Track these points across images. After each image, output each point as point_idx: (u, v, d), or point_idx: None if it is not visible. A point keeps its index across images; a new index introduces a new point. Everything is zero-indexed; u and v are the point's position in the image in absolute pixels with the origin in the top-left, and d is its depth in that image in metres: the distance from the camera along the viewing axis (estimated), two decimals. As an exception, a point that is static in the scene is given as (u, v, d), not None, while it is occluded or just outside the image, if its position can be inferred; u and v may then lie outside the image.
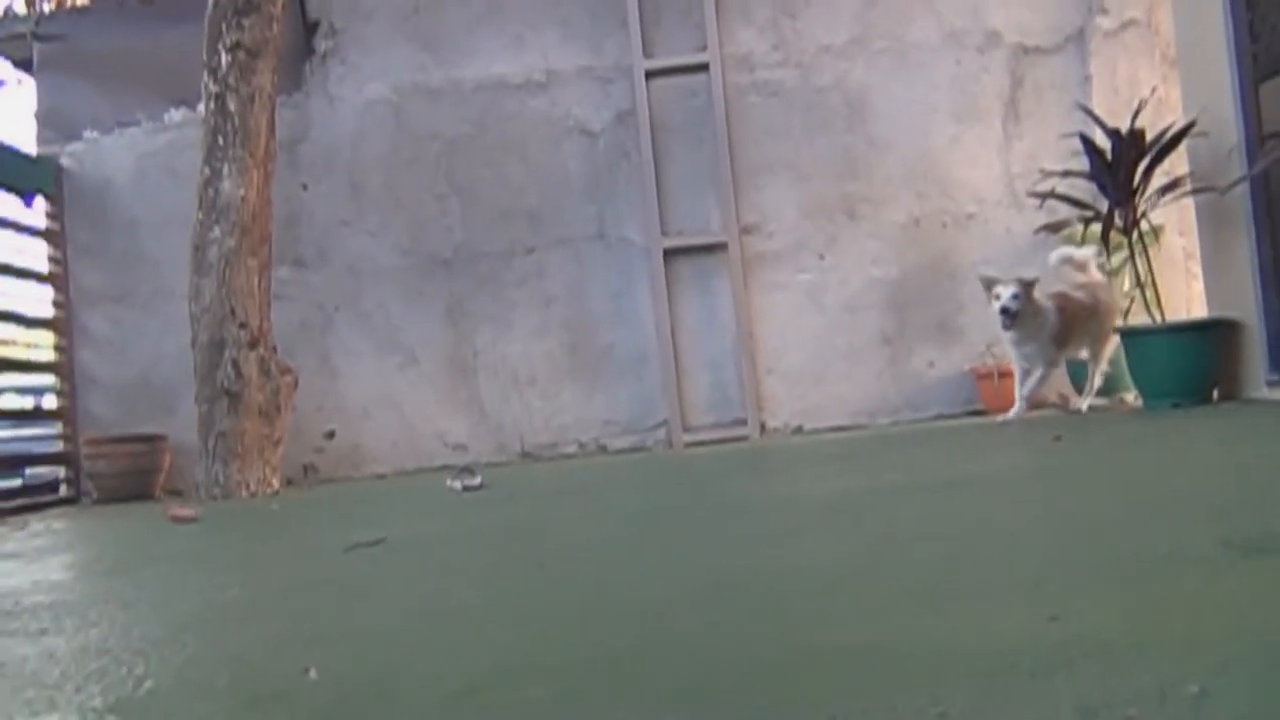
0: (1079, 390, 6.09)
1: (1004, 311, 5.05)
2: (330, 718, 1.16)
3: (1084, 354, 5.66)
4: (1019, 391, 5.46)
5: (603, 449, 6.67)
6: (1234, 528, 1.75)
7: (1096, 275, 5.57)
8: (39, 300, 6.84)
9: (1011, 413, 5.42)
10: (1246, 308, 5.19)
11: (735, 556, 2.03)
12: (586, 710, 1.11)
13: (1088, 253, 5.55)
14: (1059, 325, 5.22)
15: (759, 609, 1.52)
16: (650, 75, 6.65)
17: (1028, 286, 5.14)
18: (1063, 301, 5.27)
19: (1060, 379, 6.29)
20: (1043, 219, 6.08)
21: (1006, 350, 5.50)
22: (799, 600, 1.56)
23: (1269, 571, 1.43)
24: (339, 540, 2.75)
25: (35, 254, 6.88)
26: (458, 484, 4.81)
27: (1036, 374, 5.38)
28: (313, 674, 1.32)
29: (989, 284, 5.27)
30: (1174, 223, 6.33)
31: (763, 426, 6.58)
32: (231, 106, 5.99)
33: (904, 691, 1.05)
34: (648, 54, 6.68)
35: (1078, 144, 5.69)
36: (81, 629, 1.81)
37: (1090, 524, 2.03)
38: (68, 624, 1.88)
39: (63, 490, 6.74)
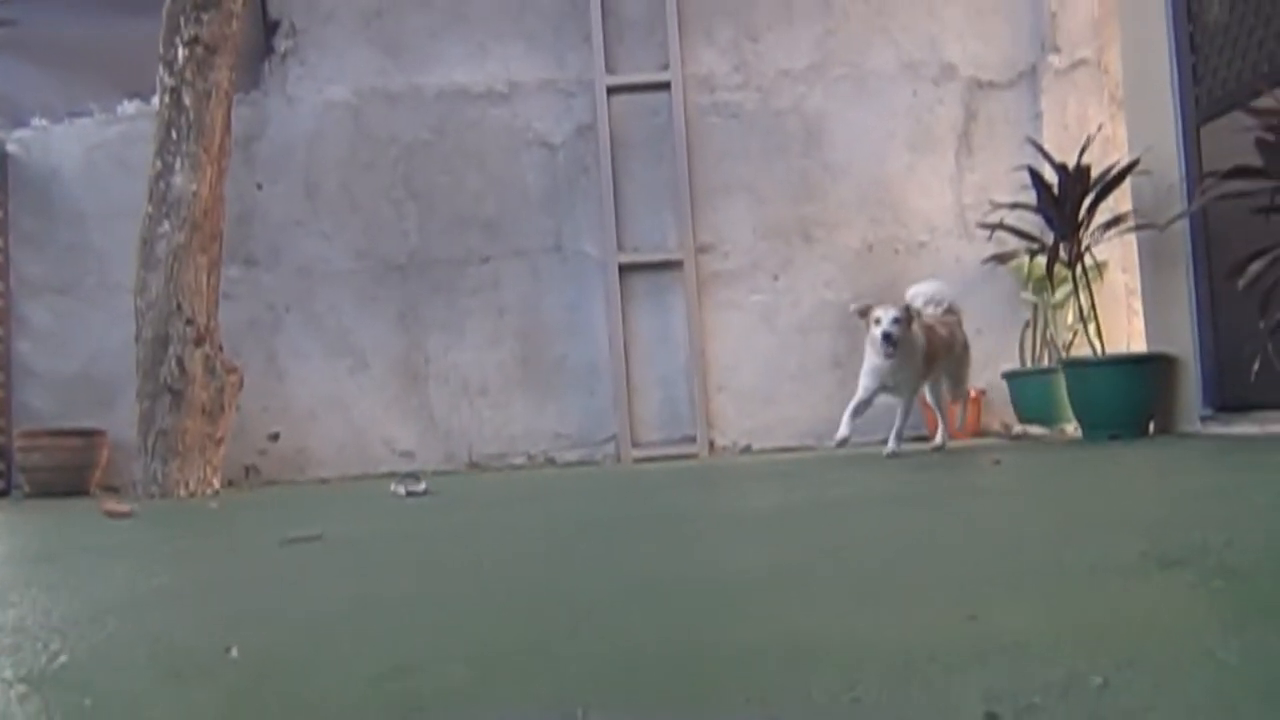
0: (1025, 420, 6.20)
1: (886, 338, 4.79)
2: (250, 692, 1.15)
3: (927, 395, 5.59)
4: (847, 418, 5.15)
5: (551, 461, 6.65)
6: (1155, 542, 1.79)
7: (952, 315, 5.49)
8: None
9: (890, 446, 5.29)
10: (1184, 344, 5.32)
11: (671, 561, 2.04)
12: (506, 690, 1.11)
13: (946, 290, 5.49)
14: (924, 356, 5.06)
15: (688, 608, 1.53)
16: (612, 91, 6.70)
17: (908, 312, 4.96)
18: (929, 334, 5.13)
19: (1004, 407, 6.40)
20: (991, 250, 6.20)
21: (866, 378, 5.13)
22: (729, 601, 1.57)
23: (1182, 581, 1.47)
24: (275, 537, 2.72)
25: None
26: (401, 489, 4.76)
27: (904, 404, 5.31)
28: (234, 653, 1.31)
29: (864, 312, 5.04)
30: (1118, 259, 6.48)
31: (711, 444, 6.61)
32: (187, 101, 5.93)
33: (820, 680, 1.06)
34: (610, 69, 6.73)
35: (1027, 178, 5.82)
36: None
37: (1018, 537, 2.07)
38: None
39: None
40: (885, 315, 4.83)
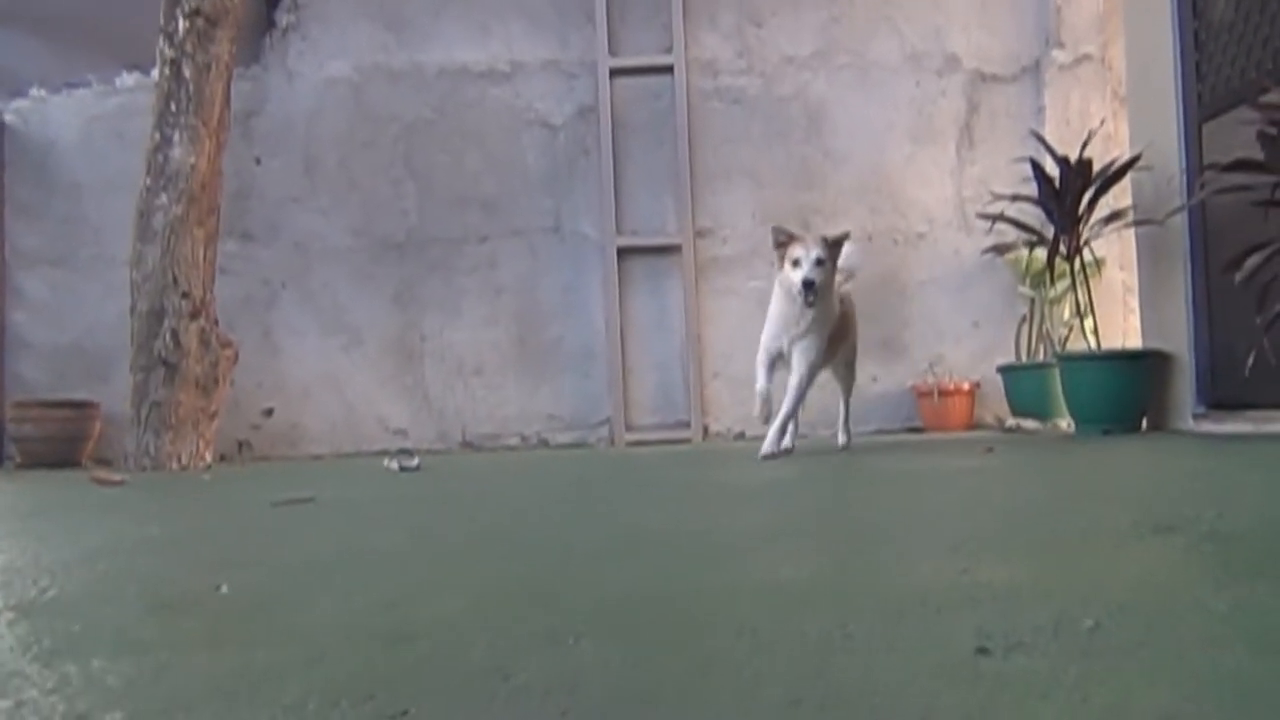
0: (1019, 414, 6.20)
1: (807, 286, 3.81)
2: (239, 622, 1.14)
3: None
4: (773, 421, 4.20)
5: (545, 443, 6.64)
6: (1146, 513, 1.80)
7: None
8: (-26, 257, 6.66)
9: (767, 445, 4.15)
10: (1179, 341, 5.31)
11: (665, 520, 2.04)
12: (496, 622, 1.11)
13: (856, 258, 4.62)
14: (836, 326, 4.21)
15: (679, 558, 1.53)
16: (614, 73, 6.67)
17: (834, 249, 3.97)
18: (845, 305, 4.39)
19: (998, 401, 6.40)
20: (991, 243, 6.20)
21: (772, 330, 4.23)
22: (721, 554, 1.57)
23: (1174, 544, 1.47)
24: (267, 500, 2.71)
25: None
26: (394, 464, 4.76)
27: (799, 383, 4.25)
28: (224, 589, 1.30)
29: (781, 243, 4.04)
30: (1115, 256, 6.47)
31: (705, 430, 6.60)
32: (187, 73, 5.90)
33: (813, 618, 1.06)
34: (613, 52, 6.70)
35: (1027, 172, 5.81)
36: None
37: (1011, 509, 2.08)
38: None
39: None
40: (807, 256, 3.84)
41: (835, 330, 4.18)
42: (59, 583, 1.41)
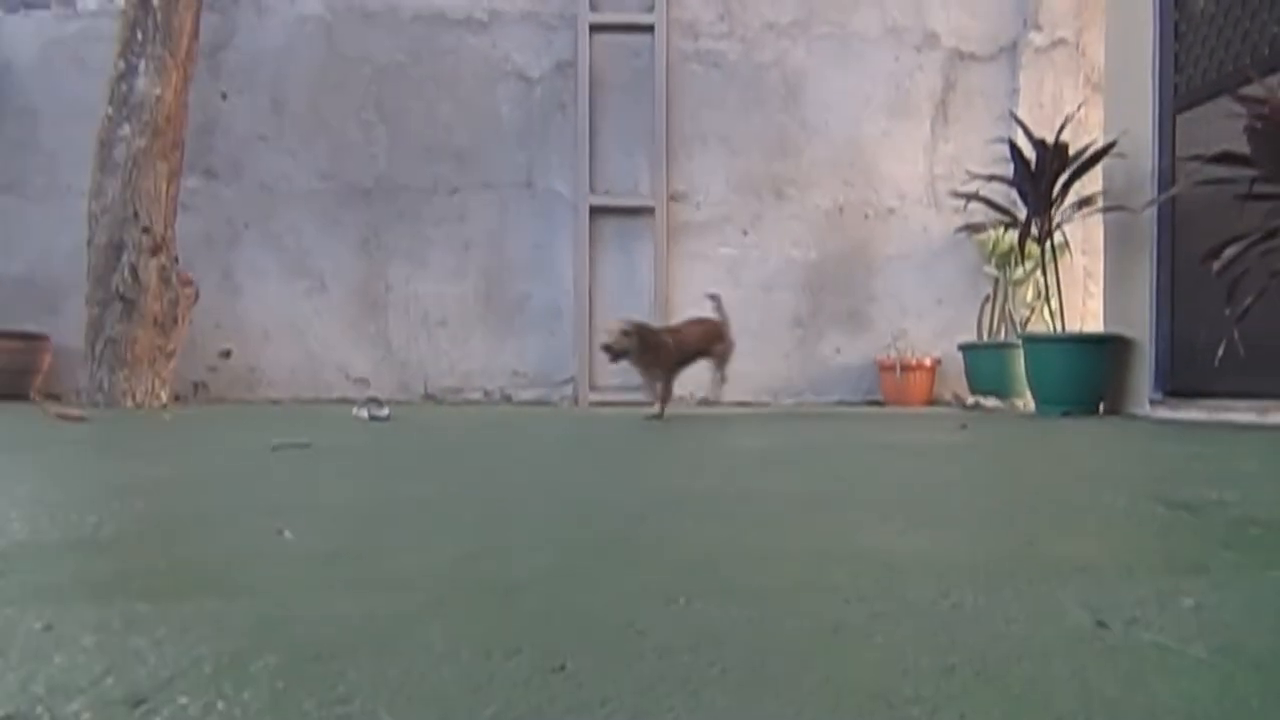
0: (978, 392, 6.32)
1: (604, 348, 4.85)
2: (333, 569, 1.12)
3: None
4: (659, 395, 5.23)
5: (508, 399, 6.61)
6: (1163, 494, 1.84)
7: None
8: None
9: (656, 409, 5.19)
10: (1140, 328, 5.45)
11: (696, 484, 2.04)
12: (594, 576, 1.10)
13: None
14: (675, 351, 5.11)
15: (740, 519, 1.53)
16: (595, 29, 6.59)
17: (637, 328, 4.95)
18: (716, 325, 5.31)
19: (958, 380, 6.51)
20: (960, 222, 6.28)
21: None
22: (780, 517, 1.57)
23: (1213, 524, 1.52)
24: (256, 443, 2.66)
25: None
26: (364, 413, 4.71)
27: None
28: (287, 534, 1.27)
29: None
30: (1078, 241, 6.59)
31: (669, 393, 6.61)
32: (154, 1, 5.69)
33: (911, 587, 1.08)
34: (594, 7, 6.61)
35: (999, 152, 5.88)
36: (1, 488, 1.71)
37: (1035, 484, 2.12)
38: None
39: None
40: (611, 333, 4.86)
41: (695, 349, 5.23)
42: (108, 519, 1.37)
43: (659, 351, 5.03)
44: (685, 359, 5.30)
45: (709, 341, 5.38)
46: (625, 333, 4.84)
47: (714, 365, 5.47)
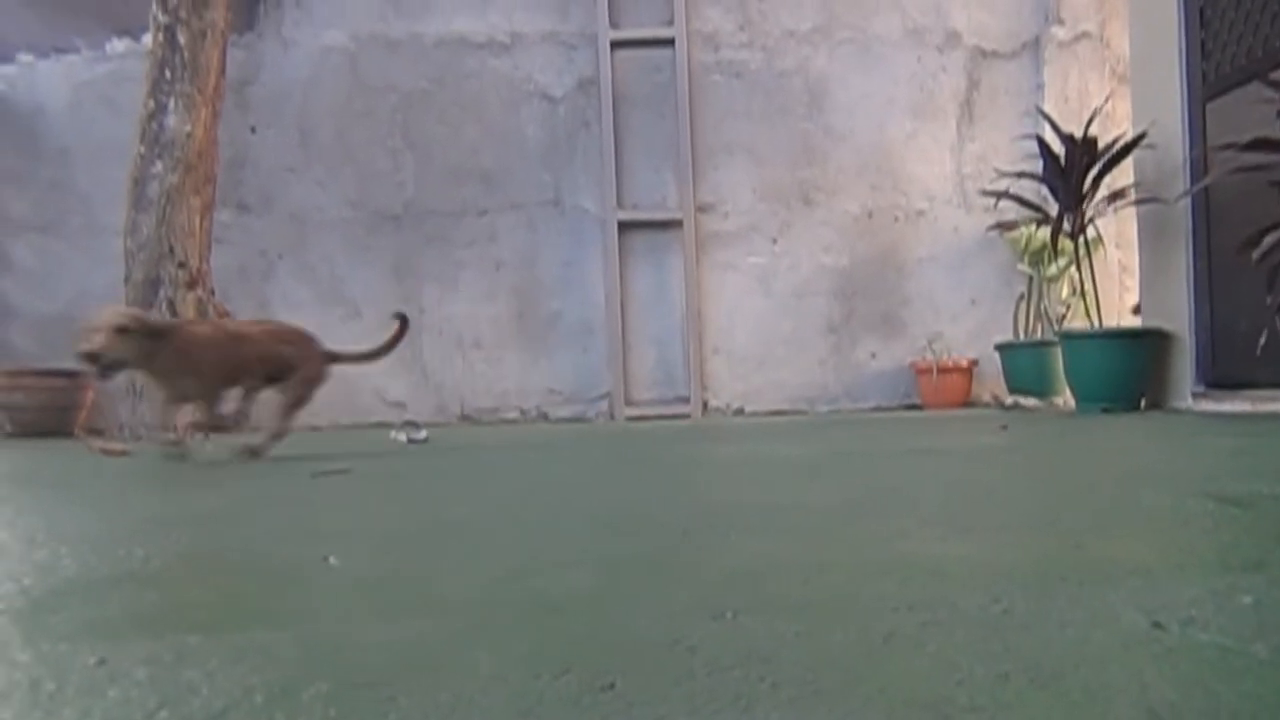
0: (1016, 392, 6.25)
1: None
2: (379, 594, 1.12)
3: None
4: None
5: (544, 417, 6.63)
6: (1211, 490, 1.81)
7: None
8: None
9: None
10: (1179, 320, 5.37)
11: (735, 493, 2.03)
12: (637, 593, 1.10)
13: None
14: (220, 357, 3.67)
15: (781, 531, 1.52)
16: (615, 45, 6.62)
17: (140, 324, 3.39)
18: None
19: (995, 381, 6.45)
20: (990, 221, 6.23)
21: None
22: (821, 528, 1.56)
23: (1266, 519, 1.49)
24: (299, 471, 2.68)
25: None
26: (402, 436, 4.74)
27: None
28: (332, 560, 1.28)
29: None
30: (1111, 235, 6.53)
31: (704, 405, 6.62)
32: (181, 40, 5.80)
33: (960, 594, 1.06)
34: (614, 24, 6.64)
35: (1027, 148, 5.83)
36: (46, 525, 1.73)
37: (1080, 484, 2.09)
38: (33, 520, 1.79)
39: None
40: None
41: (266, 361, 3.82)
42: (155, 552, 1.38)
43: (188, 357, 3.47)
44: (240, 373, 3.75)
45: (286, 354, 3.85)
46: (121, 329, 3.20)
47: (284, 397, 3.90)
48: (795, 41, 6.74)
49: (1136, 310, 5.98)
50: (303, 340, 4.01)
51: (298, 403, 3.99)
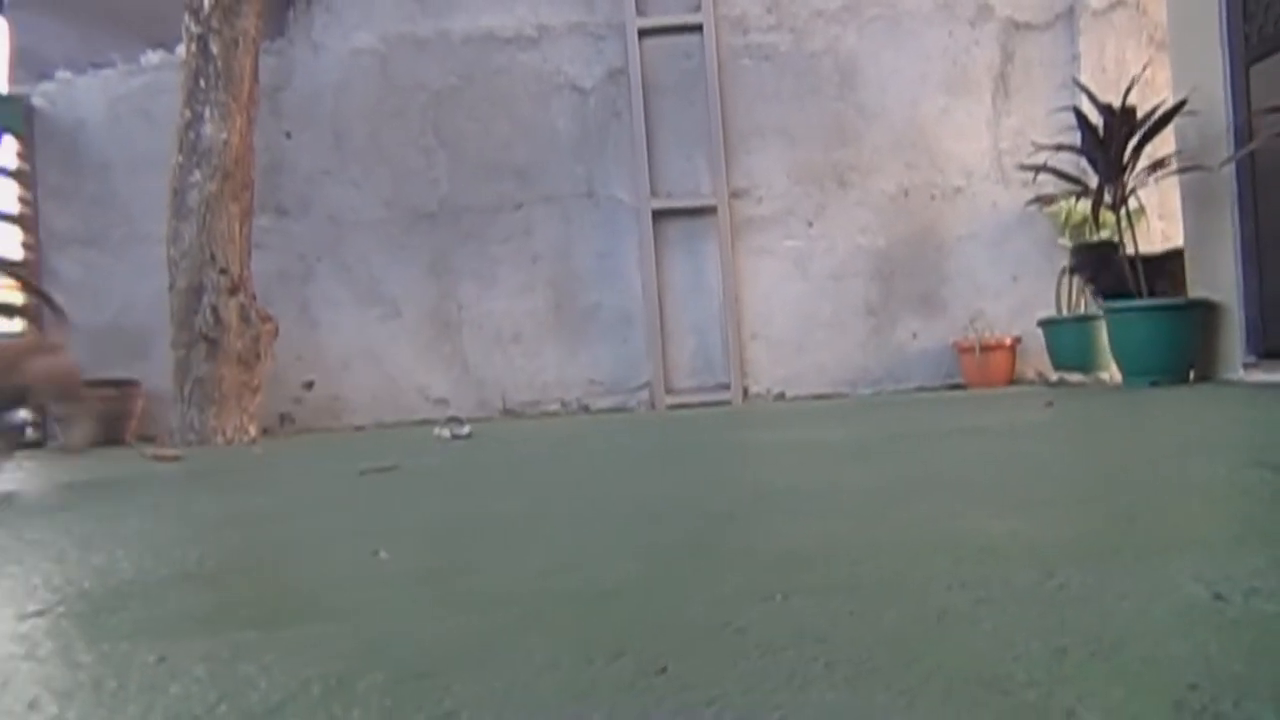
0: (1060, 368, 6.16)
1: None
2: (431, 587, 1.13)
3: None
4: None
5: (585, 408, 6.64)
6: (1267, 460, 1.77)
7: None
8: (7, 242, 6.67)
9: None
10: (1227, 289, 5.26)
11: (781, 478, 2.02)
12: (686, 578, 1.09)
13: None
14: None
15: (826, 513, 1.51)
16: (643, 34, 6.60)
17: None
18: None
19: (1040, 357, 6.37)
20: (1029, 195, 6.14)
21: None
22: (865, 508, 1.55)
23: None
24: (346, 470, 2.71)
25: (3, 194, 6.70)
26: (446, 432, 4.77)
27: None
28: (383, 554, 1.29)
29: None
30: (1154, 206, 6.40)
31: (745, 391, 6.59)
32: (214, 49, 5.86)
33: (1013, 570, 1.05)
34: (641, 12, 6.62)
35: (1064, 121, 5.72)
36: (103, 530, 1.76)
37: (1130, 458, 2.05)
38: (90, 526, 1.83)
39: (29, 434, 6.59)
40: None
41: None
42: (210, 552, 1.40)
43: None
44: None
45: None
46: None
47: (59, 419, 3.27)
48: (824, 21, 6.67)
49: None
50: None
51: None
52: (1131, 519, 1.30)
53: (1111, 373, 5.84)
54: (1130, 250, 5.47)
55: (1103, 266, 5.64)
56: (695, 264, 6.65)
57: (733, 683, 0.74)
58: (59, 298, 6.37)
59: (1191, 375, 5.41)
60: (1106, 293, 5.59)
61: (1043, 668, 0.74)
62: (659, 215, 6.56)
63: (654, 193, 6.57)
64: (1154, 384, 5.22)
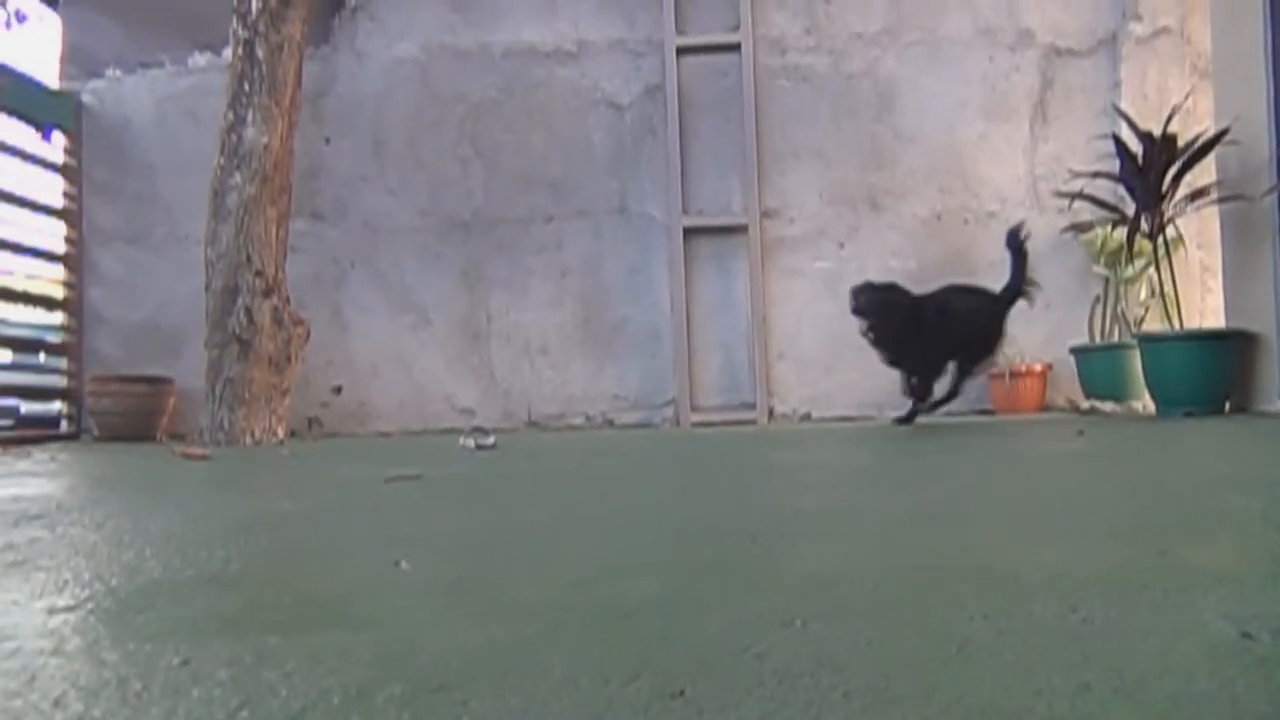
0: (1092, 396, 6.10)
1: None
2: (451, 599, 1.14)
3: None
4: None
5: (610, 423, 6.65)
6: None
7: None
8: (51, 235, 6.77)
9: None
10: (1266, 320, 5.20)
11: (804, 500, 2.01)
12: (708, 599, 1.09)
13: None
14: None
15: (851, 538, 1.51)
16: (681, 52, 6.62)
17: None
18: None
19: (1071, 385, 6.31)
20: (1064, 222, 6.10)
21: None
22: (888, 534, 1.54)
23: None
24: (372, 476, 2.73)
25: (50, 188, 6.81)
26: (471, 442, 4.79)
27: None
28: (404, 565, 1.30)
29: None
30: (1193, 235, 6.33)
31: (771, 412, 6.58)
32: (260, 53, 5.94)
33: (1037, 602, 1.04)
34: (680, 30, 6.65)
35: (1102, 149, 5.69)
36: (132, 527, 1.79)
37: (1162, 490, 2.03)
38: (121, 522, 1.85)
39: (63, 426, 6.70)
40: None
41: None
42: (236, 554, 1.42)
43: None
44: None
45: None
46: None
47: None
48: (863, 44, 6.67)
49: None
50: None
51: None
52: (1161, 553, 1.28)
53: (1144, 402, 5.78)
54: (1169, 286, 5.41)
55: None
56: (724, 282, 6.65)
57: (750, 709, 0.74)
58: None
59: (1227, 406, 5.35)
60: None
61: (1065, 703, 0.74)
62: (690, 232, 6.57)
63: (686, 210, 6.58)
64: (1188, 414, 5.17)
